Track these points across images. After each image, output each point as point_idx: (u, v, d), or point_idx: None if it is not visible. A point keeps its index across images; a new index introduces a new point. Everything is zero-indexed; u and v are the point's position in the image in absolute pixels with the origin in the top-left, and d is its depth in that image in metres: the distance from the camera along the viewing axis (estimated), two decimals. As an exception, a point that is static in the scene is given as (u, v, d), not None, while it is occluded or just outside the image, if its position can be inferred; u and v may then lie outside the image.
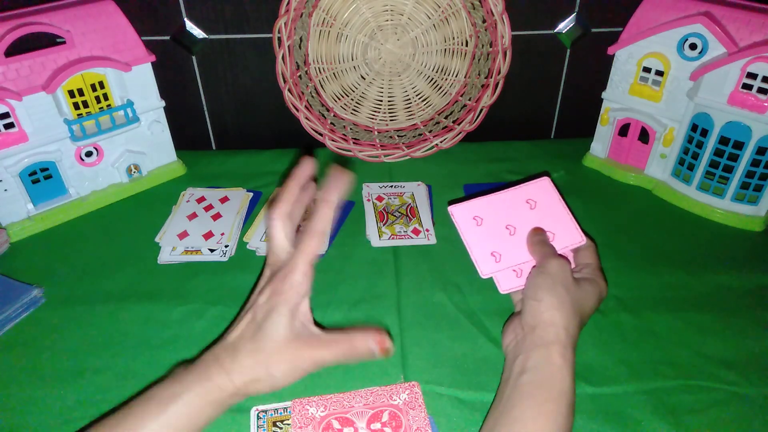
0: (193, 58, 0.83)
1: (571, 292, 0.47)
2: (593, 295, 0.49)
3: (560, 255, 0.50)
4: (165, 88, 0.75)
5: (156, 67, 0.72)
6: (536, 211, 0.53)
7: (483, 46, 0.80)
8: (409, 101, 0.84)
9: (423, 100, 0.84)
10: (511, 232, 0.53)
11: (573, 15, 0.83)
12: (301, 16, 0.76)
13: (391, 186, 0.77)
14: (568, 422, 0.42)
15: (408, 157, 0.83)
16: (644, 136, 0.76)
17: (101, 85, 0.69)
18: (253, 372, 0.41)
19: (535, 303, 0.47)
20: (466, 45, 0.80)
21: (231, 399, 0.41)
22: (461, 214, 0.53)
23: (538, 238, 0.52)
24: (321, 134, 0.82)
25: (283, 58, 0.77)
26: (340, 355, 0.42)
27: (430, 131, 0.84)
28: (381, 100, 0.84)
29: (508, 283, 0.52)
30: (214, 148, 0.93)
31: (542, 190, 0.54)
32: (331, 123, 0.83)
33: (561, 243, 0.53)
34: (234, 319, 0.46)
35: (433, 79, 0.83)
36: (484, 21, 0.77)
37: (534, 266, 0.50)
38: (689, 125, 0.70)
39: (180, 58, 0.83)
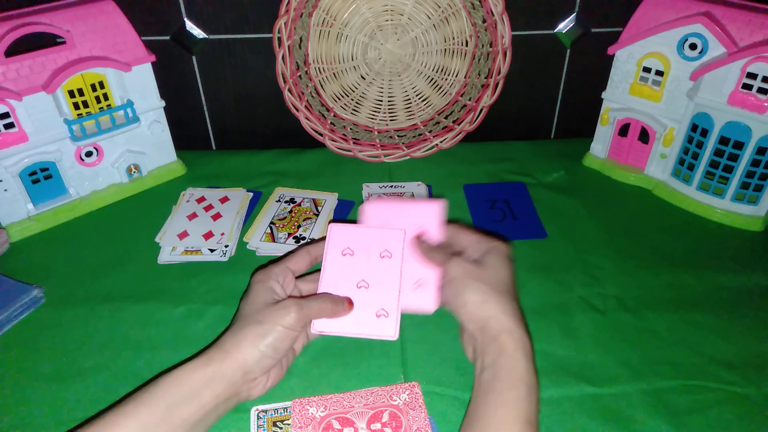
0: (193, 58, 0.83)
1: (484, 279, 0.47)
2: (500, 262, 0.49)
3: (452, 254, 0.50)
4: (165, 88, 0.75)
5: (156, 67, 0.72)
6: (393, 258, 0.52)
7: (483, 46, 0.80)
8: (409, 101, 0.84)
9: (423, 100, 0.84)
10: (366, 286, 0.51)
11: (573, 15, 0.83)
12: (301, 16, 0.76)
13: (391, 186, 0.77)
14: (530, 406, 0.41)
15: (408, 157, 0.83)
16: (644, 136, 0.76)
17: (101, 85, 0.69)
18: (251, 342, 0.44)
19: (464, 309, 0.46)
20: (466, 45, 0.80)
21: (229, 378, 0.44)
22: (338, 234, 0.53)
23: (425, 246, 0.51)
24: (321, 134, 0.82)
25: (283, 58, 0.77)
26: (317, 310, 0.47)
27: (430, 131, 0.84)
28: (381, 100, 0.84)
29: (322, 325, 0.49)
30: (214, 148, 0.93)
31: (396, 239, 0.53)
32: (331, 123, 0.83)
33: (431, 223, 0.52)
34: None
35: (433, 79, 0.83)
36: (484, 21, 0.78)
37: (437, 275, 0.50)
38: (689, 125, 0.70)
39: (180, 58, 0.83)
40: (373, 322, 0.49)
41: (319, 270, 0.52)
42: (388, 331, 0.49)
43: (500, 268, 0.49)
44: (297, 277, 0.52)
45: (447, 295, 0.48)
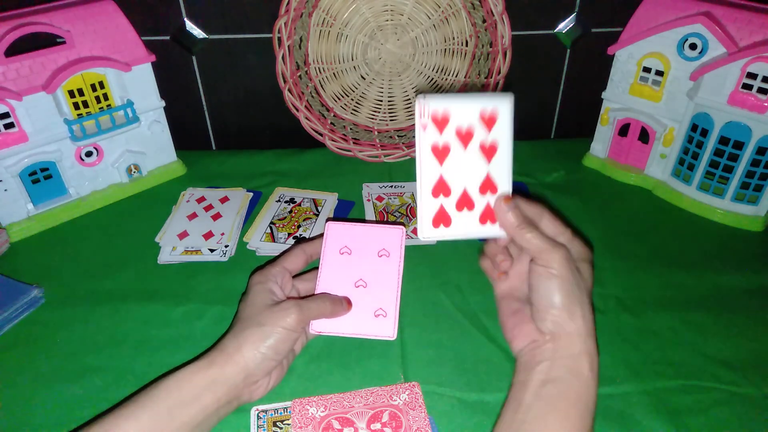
0: (193, 58, 0.83)
1: (581, 286, 0.43)
2: (589, 270, 0.45)
3: (558, 243, 0.43)
4: (165, 88, 0.75)
5: (156, 67, 0.72)
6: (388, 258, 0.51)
7: (483, 46, 0.80)
8: (409, 101, 0.84)
9: (423, 100, 0.84)
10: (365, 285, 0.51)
11: (573, 15, 0.83)
12: (301, 16, 0.76)
13: (391, 186, 0.77)
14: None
15: (408, 157, 0.83)
16: (644, 136, 0.76)
17: (101, 85, 0.69)
18: (252, 344, 0.44)
19: (554, 312, 0.42)
20: (466, 45, 0.80)
21: (234, 382, 0.44)
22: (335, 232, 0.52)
23: (526, 227, 0.43)
24: (321, 134, 0.82)
25: (283, 58, 0.77)
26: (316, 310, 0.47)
27: (430, 131, 0.84)
28: (381, 100, 0.84)
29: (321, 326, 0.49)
30: (214, 148, 0.93)
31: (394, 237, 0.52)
32: (331, 123, 0.83)
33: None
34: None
35: (433, 79, 0.83)
36: (484, 21, 0.78)
37: (531, 261, 0.44)
38: (689, 125, 0.70)
39: (180, 58, 0.83)
40: (372, 322, 0.49)
41: (315, 268, 0.52)
42: (387, 331, 0.49)
43: (590, 277, 0.45)
44: (294, 276, 0.52)
45: (540, 286, 0.43)
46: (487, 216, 0.45)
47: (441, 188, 0.44)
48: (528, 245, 0.43)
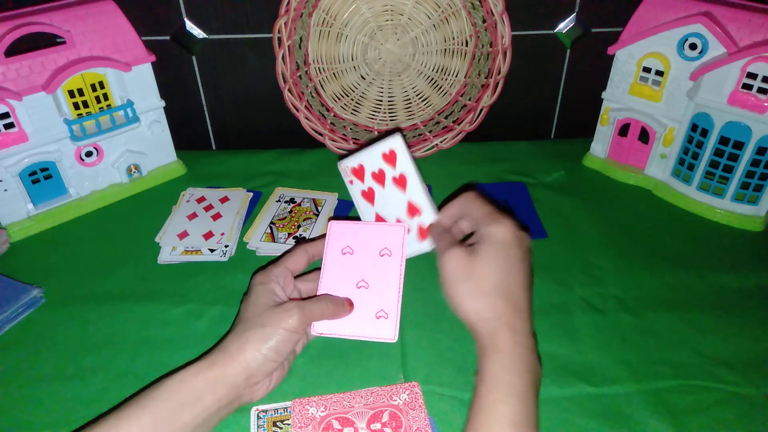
0: (193, 58, 0.83)
1: (472, 277, 0.45)
2: (493, 254, 0.45)
3: (456, 245, 0.46)
4: (165, 88, 0.75)
5: (156, 67, 0.72)
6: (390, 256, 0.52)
7: (483, 46, 0.80)
8: (409, 101, 0.84)
9: (423, 100, 0.84)
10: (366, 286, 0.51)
11: (573, 15, 0.83)
12: (301, 16, 0.76)
13: (391, 186, 0.77)
14: (513, 407, 0.41)
15: (408, 157, 0.83)
16: (644, 136, 0.76)
17: (101, 85, 0.69)
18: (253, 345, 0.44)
19: (458, 312, 0.46)
20: (466, 45, 0.80)
21: (234, 381, 0.44)
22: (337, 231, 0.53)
23: (437, 231, 0.50)
24: (321, 134, 0.82)
25: (283, 58, 0.77)
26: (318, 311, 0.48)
27: (430, 131, 0.84)
28: (381, 100, 0.84)
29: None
30: (214, 148, 0.93)
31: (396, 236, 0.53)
32: (331, 123, 0.83)
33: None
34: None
35: (433, 79, 0.83)
36: (484, 21, 0.78)
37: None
38: (689, 125, 0.70)
39: (180, 58, 0.83)
40: (373, 323, 0.49)
41: (316, 269, 0.52)
42: (388, 333, 0.49)
43: (492, 261, 0.45)
44: (295, 277, 0.52)
45: (444, 292, 0.47)
46: (422, 234, 0.52)
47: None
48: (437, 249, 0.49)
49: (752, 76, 0.63)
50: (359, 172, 0.52)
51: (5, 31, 0.60)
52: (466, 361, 0.52)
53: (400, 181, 0.51)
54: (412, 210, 0.51)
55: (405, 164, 0.50)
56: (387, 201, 0.52)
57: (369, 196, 0.53)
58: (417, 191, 0.50)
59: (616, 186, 0.78)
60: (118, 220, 0.72)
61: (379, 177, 0.52)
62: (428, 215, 0.51)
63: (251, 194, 0.75)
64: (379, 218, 0.53)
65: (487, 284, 0.45)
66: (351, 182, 0.53)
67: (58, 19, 0.64)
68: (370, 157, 0.51)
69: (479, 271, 0.45)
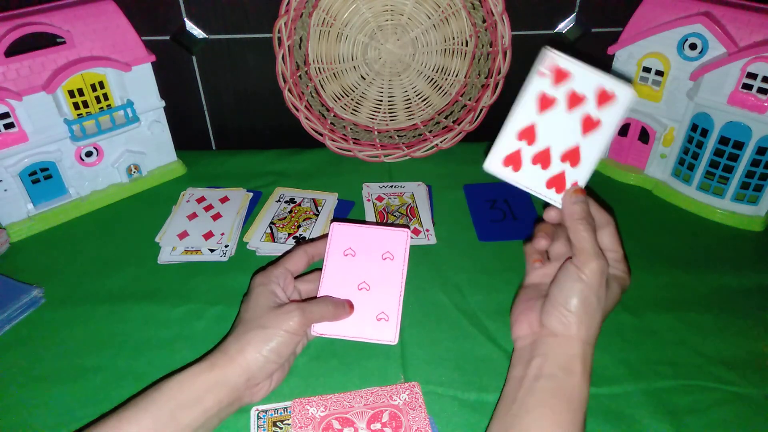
0: (193, 58, 0.83)
1: (601, 301, 0.44)
2: (617, 294, 0.47)
3: (601, 254, 0.44)
4: (165, 88, 0.75)
5: (156, 67, 0.72)
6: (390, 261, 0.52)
7: (483, 46, 0.80)
8: (409, 101, 0.84)
9: (423, 100, 0.84)
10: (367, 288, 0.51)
11: (573, 15, 0.83)
12: (301, 16, 0.76)
13: (391, 186, 0.77)
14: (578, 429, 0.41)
15: (408, 157, 0.83)
16: (644, 136, 0.76)
17: (101, 85, 0.69)
18: (254, 347, 0.44)
19: (565, 312, 0.44)
20: (466, 45, 0.80)
21: (234, 383, 0.44)
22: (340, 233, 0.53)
23: (584, 224, 0.44)
24: (321, 134, 0.82)
25: (283, 58, 0.77)
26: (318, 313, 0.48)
27: (430, 131, 0.84)
28: (381, 100, 0.84)
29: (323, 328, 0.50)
30: (214, 148, 0.93)
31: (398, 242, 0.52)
32: (331, 123, 0.83)
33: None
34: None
35: (433, 79, 0.83)
36: (484, 21, 0.78)
37: (569, 258, 0.45)
38: (689, 125, 0.70)
39: (180, 58, 0.83)
40: (373, 325, 0.49)
41: (317, 269, 0.52)
42: (388, 335, 0.49)
43: (613, 299, 0.47)
44: (295, 278, 0.52)
45: (564, 286, 0.44)
46: (555, 182, 0.45)
47: (527, 134, 0.45)
48: (576, 240, 0.44)
49: (752, 76, 0.63)
50: (560, 76, 0.44)
51: (5, 31, 0.60)
52: (466, 361, 0.52)
53: (590, 124, 0.44)
54: (573, 157, 0.45)
55: (612, 117, 0.44)
56: (556, 124, 0.44)
57: (545, 103, 0.44)
58: (596, 146, 0.44)
59: (616, 186, 0.78)
60: (118, 220, 0.72)
61: (574, 101, 0.44)
62: (584, 174, 0.45)
63: (251, 194, 0.75)
64: (531, 128, 0.45)
65: (603, 314, 0.45)
66: (541, 75, 0.44)
67: (58, 19, 0.64)
68: (585, 78, 0.43)
69: (606, 299, 0.45)
